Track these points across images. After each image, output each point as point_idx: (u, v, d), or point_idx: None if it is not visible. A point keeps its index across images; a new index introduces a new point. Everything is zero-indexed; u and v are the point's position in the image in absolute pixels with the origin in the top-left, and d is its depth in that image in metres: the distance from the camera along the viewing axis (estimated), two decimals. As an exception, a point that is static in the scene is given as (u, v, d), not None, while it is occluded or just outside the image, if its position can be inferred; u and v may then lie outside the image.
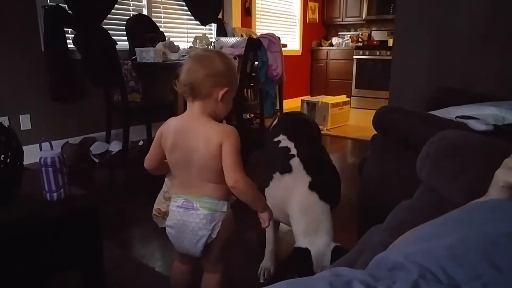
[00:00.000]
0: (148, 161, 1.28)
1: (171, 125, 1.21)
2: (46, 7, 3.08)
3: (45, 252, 1.20)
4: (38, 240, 1.17)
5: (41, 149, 1.20)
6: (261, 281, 1.62)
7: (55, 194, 1.21)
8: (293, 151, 1.63)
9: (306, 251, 1.35)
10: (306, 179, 1.49)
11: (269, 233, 1.71)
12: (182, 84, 1.14)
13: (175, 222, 1.22)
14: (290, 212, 1.47)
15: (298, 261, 1.36)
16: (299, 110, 4.76)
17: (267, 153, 1.87)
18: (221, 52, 1.24)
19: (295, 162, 1.56)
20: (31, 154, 1.85)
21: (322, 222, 1.42)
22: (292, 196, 1.48)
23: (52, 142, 1.26)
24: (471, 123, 1.45)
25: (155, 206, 1.55)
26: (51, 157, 1.19)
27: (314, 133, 1.93)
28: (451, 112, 1.62)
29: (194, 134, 1.16)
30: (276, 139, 1.75)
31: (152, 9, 4.06)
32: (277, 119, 1.96)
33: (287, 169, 1.54)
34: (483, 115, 1.53)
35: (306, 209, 1.44)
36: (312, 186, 1.47)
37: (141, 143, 3.57)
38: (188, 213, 1.18)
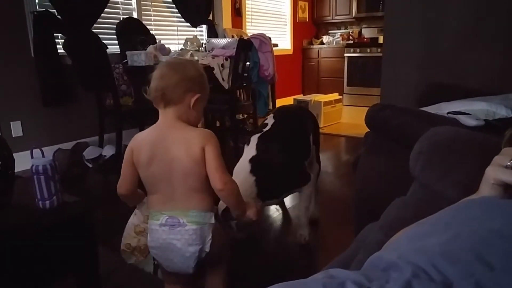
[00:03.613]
0: (123, 185, 1.21)
1: (142, 138, 1.16)
2: (35, 13, 3.06)
3: (39, 260, 1.19)
4: (31, 248, 1.16)
5: (32, 157, 1.20)
6: None
7: (47, 202, 1.20)
8: (267, 127, 1.88)
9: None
10: (251, 153, 1.71)
11: None
12: (154, 89, 1.12)
13: (160, 242, 1.14)
14: None
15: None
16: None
17: None
18: (192, 60, 1.24)
19: (254, 137, 1.80)
20: (23, 161, 1.83)
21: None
22: (238, 164, 1.72)
23: (45, 148, 1.26)
24: (462, 118, 1.46)
25: (124, 241, 1.46)
26: (42, 165, 1.18)
27: (306, 119, 2.09)
28: (443, 108, 1.63)
29: (174, 141, 1.11)
30: (266, 117, 2.03)
31: (142, 12, 4.04)
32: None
33: (247, 142, 1.80)
34: (474, 110, 1.54)
35: (235, 174, 1.64)
36: (251, 160, 1.69)
37: (134, 146, 3.55)
38: (175, 231, 1.11)
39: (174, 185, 1.12)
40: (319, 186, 2.52)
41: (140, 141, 1.16)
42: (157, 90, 1.11)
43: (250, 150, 1.76)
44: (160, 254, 1.17)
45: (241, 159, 1.76)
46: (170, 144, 1.11)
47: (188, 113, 1.15)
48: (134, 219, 1.43)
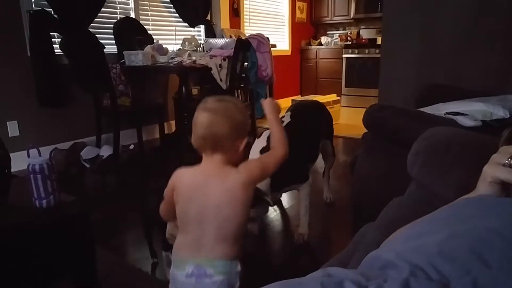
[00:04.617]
0: (165, 212, 1.19)
1: (185, 179, 1.12)
2: (31, 12, 3.05)
3: (35, 260, 1.18)
4: (28, 248, 1.16)
5: (29, 156, 1.19)
6: None
7: (44, 201, 1.20)
8: (283, 124, 1.96)
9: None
10: (262, 144, 1.82)
11: None
12: (201, 138, 1.06)
13: None
14: None
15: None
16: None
17: None
18: (234, 100, 1.15)
19: (267, 132, 1.85)
20: (20, 161, 1.82)
21: None
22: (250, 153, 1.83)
23: (42, 148, 1.25)
24: (460, 119, 1.47)
25: (169, 230, 1.51)
26: (39, 164, 1.18)
27: (321, 115, 2.27)
28: (440, 109, 1.64)
29: (216, 189, 1.07)
30: (284, 114, 2.12)
31: (140, 11, 4.03)
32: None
33: (258, 135, 1.93)
34: (471, 111, 1.54)
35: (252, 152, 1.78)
36: (261, 150, 1.78)
37: (132, 146, 3.55)
38: (202, 283, 1.05)
39: (205, 231, 1.07)
40: (316, 184, 2.53)
41: (182, 181, 1.12)
42: (206, 139, 1.06)
43: (260, 142, 1.84)
44: None
45: (252, 149, 1.83)
46: (212, 191, 1.07)
47: (235, 156, 1.12)
48: None
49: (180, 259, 1.10)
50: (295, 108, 2.21)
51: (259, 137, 1.90)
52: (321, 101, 4.58)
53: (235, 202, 1.06)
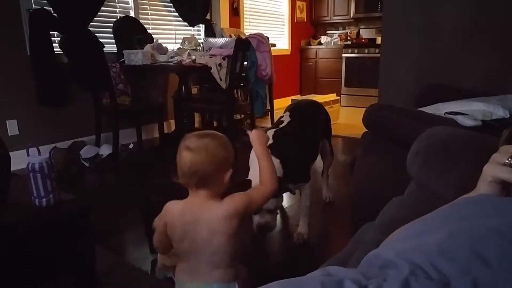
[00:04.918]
0: (158, 244, 1.21)
1: (175, 214, 1.13)
2: (31, 11, 3.04)
3: (34, 259, 1.18)
4: (27, 246, 1.16)
5: (28, 155, 1.19)
6: None
7: (44, 200, 1.20)
8: (283, 124, 2.02)
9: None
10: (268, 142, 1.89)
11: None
12: (187, 176, 1.07)
13: None
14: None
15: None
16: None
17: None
18: (215, 135, 1.15)
19: (270, 131, 1.92)
20: (20, 160, 1.82)
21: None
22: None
23: (41, 147, 1.25)
24: (460, 119, 1.46)
25: (160, 261, 1.49)
26: (39, 163, 1.18)
27: (319, 115, 2.29)
28: (440, 109, 1.64)
29: (205, 223, 1.09)
30: (283, 114, 2.16)
31: (139, 10, 4.03)
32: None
33: None
34: (471, 110, 1.54)
35: (252, 160, 1.77)
36: (268, 147, 1.82)
37: (131, 146, 3.55)
38: None
39: (201, 261, 1.12)
40: (316, 183, 2.53)
41: (173, 218, 1.14)
42: (190, 178, 1.08)
43: None
44: None
45: (253, 151, 1.81)
46: (202, 227, 1.09)
47: (220, 189, 1.13)
48: None
49: (181, 282, 1.15)
50: (294, 108, 2.21)
51: None
52: (320, 100, 4.60)
53: (220, 235, 1.08)
